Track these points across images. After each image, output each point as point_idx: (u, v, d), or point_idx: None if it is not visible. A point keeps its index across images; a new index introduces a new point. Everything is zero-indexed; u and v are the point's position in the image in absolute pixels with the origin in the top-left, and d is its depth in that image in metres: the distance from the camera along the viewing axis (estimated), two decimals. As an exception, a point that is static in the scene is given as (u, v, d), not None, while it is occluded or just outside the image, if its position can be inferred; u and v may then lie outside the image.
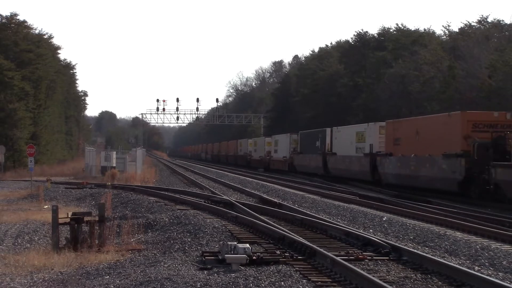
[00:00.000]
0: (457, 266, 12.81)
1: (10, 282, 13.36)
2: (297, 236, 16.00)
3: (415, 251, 14.51)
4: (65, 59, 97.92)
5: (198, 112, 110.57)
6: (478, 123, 29.61)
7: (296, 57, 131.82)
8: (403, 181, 35.13)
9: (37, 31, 75.92)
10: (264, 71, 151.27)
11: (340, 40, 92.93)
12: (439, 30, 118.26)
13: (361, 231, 18.05)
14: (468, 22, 65.24)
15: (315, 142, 51.84)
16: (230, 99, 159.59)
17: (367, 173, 39.69)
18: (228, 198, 27.68)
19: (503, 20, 59.73)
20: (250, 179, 46.69)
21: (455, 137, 30.01)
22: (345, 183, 41.80)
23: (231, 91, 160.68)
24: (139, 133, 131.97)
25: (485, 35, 55.55)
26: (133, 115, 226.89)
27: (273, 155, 66.88)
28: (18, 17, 70.52)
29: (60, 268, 14.71)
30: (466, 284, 11.45)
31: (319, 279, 11.88)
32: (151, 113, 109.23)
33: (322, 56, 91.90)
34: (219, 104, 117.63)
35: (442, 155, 30.53)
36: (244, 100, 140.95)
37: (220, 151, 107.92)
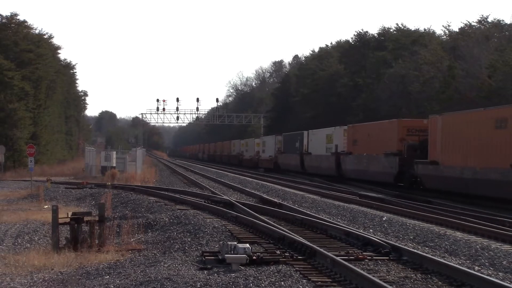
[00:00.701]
0: (457, 266, 12.80)
1: (10, 282, 13.35)
2: (297, 236, 15.99)
3: (415, 251, 14.50)
4: (65, 59, 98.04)
5: (198, 112, 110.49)
6: (411, 128, 36.14)
7: (296, 57, 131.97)
8: (359, 175, 41.34)
9: (37, 31, 75.89)
10: (264, 71, 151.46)
11: (340, 40, 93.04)
12: (439, 30, 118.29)
13: (361, 231, 18.05)
14: (468, 22, 65.32)
15: (295, 143, 58.47)
16: (230, 99, 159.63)
17: (333, 169, 46.09)
18: (228, 198, 27.64)
19: (503, 20, 59.73)
20: (250, 179, 46.69)
21: (393, 139, 36.68)
22: (348, 183, 42.00)
23: (231, 91, 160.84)
24: (139, 133, 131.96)
25: (485, 35, 55.44)
26: (133, 115, 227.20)
27: (261, 154, 73.04)
28: (18, 17, 70.55)
29: (60, 268, 14.70)
30: (466, 284, 11.44)
31: (319, 279, 11.87)
32: (151, 113, 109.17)
33: (322, 56, 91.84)
34: (219, 104, 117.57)
35: (384, 154, 36.96)
36: (244, 100, 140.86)
37: (216, 151, 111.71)
